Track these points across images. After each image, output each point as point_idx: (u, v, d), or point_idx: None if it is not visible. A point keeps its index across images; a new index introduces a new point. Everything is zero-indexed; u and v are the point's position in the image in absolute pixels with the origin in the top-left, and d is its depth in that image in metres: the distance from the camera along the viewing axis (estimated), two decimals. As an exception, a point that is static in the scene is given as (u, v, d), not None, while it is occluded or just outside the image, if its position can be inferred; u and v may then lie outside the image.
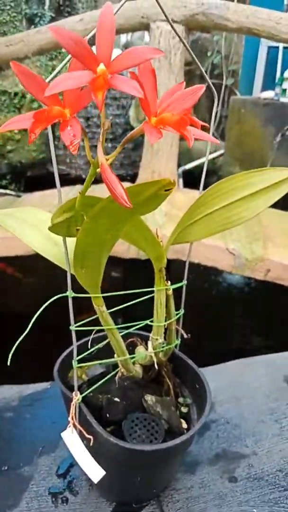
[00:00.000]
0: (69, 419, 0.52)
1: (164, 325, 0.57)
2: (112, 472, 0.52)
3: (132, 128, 3.41)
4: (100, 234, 0.39)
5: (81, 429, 0.51)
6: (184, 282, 0.59)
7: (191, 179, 3.18)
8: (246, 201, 0.50)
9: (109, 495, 0.59)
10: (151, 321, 0.57)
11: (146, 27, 2.20)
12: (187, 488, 0.62)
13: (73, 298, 0.46)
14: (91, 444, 0.50)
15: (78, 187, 2.31)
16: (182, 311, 0.60)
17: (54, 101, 0.28)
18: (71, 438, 0.52)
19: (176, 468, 0.63)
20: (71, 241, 0.44)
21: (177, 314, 0.59)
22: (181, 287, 0.59)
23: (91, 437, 0.50)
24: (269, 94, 2.96)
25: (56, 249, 0.49)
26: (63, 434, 0.53)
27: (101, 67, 0.25)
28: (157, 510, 0.58)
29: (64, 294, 0.46)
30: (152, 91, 0.29)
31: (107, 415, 0.56)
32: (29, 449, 0.67)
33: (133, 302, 0.56)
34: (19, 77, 0.27)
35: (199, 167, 3.25)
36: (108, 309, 0.52)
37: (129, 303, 0.56)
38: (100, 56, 0.26)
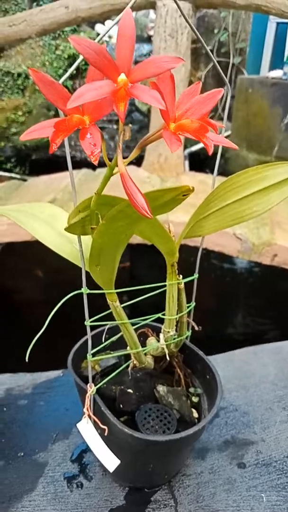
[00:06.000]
0: (84, 410, 0.53)
1: (176, 318, 0.58)
2: (126, 460, 0.54)
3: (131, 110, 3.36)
4: (116, 234, 0.40)
5: (96, 419, 0.53)
6: (196, 275, 0.60)
7: (197, 161, 3.15)
8: (260, 195, 0.50)
9: (122, 481, 0.61)
10: (163, 314, 0.58)
11: (152, 5, 2.14)
12: (197, 474, 0.64)
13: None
14: (105, 434, 0.51)
15: (84, 171, 2.29)
16: (193, 304, 0.61)
17: (73, 109, 0.28)
18: (87, 429, 0.53)
19: (187, 455, 0.65)
20: (86, 239, 0.45)
21: (188, 307, 0.59)
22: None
23: (105, 427, 0.51)
24: (277, 73, 2.89)
25: (70, 247, 0.49)
26: (78, 425, 0.54)
27: (122, 77, 0.25)
28: (168, 494, 0.60)
29: (79, 291, 0.47)
30: (171, 97, 0.29)
31: (121, 406, 0.57)
32: (43, 436, 0.69)
33: (143, 297, 0.56)
34: (38, 85, 0.27)
35: (205, 149, 3.21)
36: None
37: (139, 299, 0.56)
38: (121, 65, 0.25)
